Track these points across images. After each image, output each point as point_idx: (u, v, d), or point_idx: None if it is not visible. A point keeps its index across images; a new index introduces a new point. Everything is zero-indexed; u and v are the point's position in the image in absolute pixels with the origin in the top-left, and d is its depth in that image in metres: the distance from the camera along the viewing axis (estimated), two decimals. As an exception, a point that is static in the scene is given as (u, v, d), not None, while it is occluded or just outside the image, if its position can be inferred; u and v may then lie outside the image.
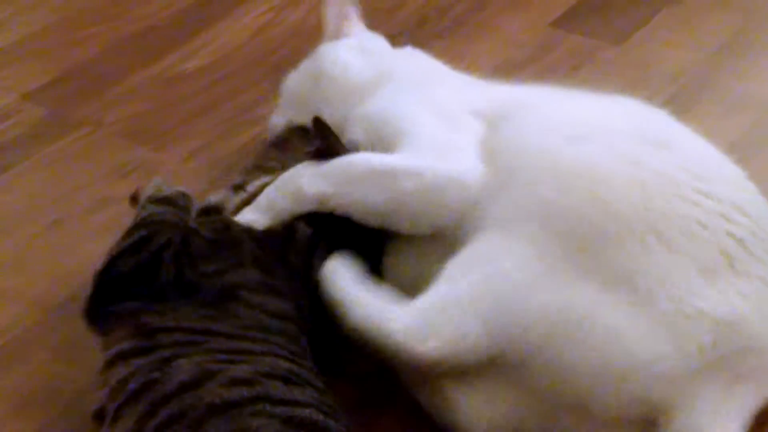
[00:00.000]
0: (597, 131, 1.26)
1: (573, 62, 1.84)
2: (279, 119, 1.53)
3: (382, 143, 1.34)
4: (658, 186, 1.18)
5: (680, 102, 1.72)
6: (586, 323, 1.13)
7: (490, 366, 1.17)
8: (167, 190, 1.31)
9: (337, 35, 1.53)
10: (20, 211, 1.55)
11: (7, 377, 1.30)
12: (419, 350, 1.17)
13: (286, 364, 1.11)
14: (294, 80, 1.55)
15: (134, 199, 1.34)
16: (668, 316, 1.12)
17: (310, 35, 1.93)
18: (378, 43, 1.54)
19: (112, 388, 1.10)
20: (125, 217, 1.49)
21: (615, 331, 1.12)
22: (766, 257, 1.17)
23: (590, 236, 1.15)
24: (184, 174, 1.61)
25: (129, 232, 1.24)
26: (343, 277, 1.25)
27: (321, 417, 1.05)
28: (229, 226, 1.27)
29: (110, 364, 1.13)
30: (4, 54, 1.90)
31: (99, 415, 1.12)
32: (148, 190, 1.32)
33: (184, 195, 1.32)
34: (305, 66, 1.54)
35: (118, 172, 1.62)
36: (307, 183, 1.29)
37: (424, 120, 1.34)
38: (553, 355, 1.14)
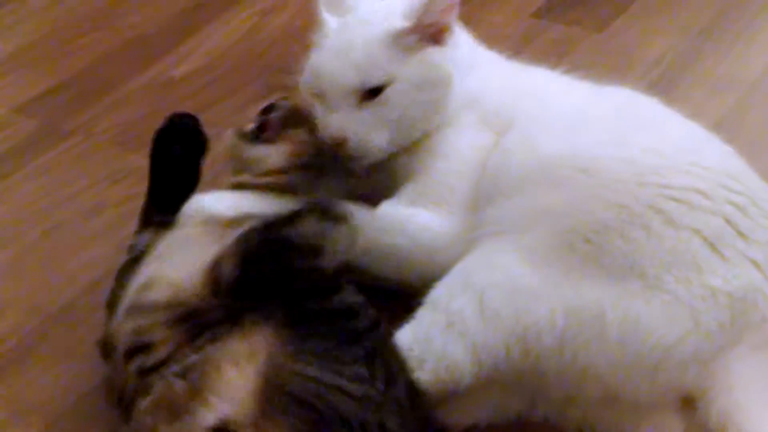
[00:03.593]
0: (583, 123, 1.27)
1: (556, 51, 1.85)
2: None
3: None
4: (649, 161, 1.18)
5: (663, 86, 1.74)
6: (601, 320, 1.12)
7: (494, 376, 1.17)
8: None
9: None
10: (15, 221, 1.57)
11: (6, 384, 1.32)
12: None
13: None
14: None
15: None
16: (682, 298, 1.12)
17: (296, 37, 1.94)
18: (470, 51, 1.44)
19: None
20: (119, 222, 1.54)
21: (632, 322, 1.11)
22: (761, 221, 1.17)
23: (589, 229, 1.15)
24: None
25: None
26: None
27: None
28: None
29: None
30: (-5, 68, 1.93)
31: None
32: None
33: None
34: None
35: (111, 178, 1.64)
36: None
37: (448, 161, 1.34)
38: (570, 357, 1.13)
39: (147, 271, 1.20)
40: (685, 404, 1.15)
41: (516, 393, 1.20)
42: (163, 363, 1.11)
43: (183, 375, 1.08)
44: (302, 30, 1.94)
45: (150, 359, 1.12)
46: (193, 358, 1.09)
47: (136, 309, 1.16)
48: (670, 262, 1.13)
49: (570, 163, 1.20)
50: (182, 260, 1.18)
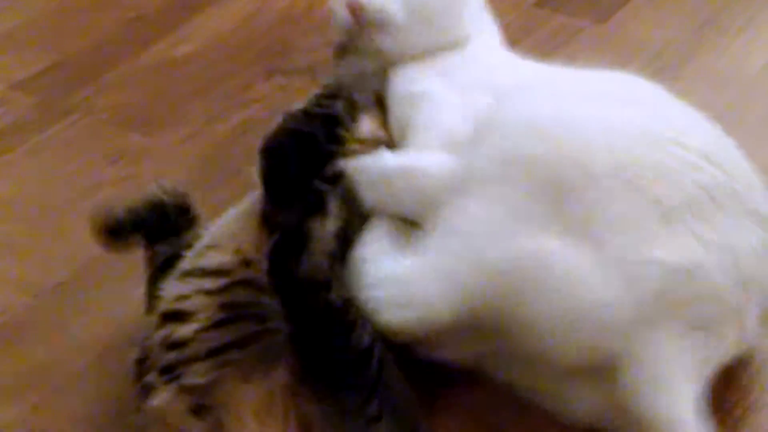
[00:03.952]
0: (574, 96, 1.27)
1: (557, 42, 1.85)
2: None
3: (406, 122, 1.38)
4: (623, 131, 1.19)
5: (664, 78, 1.71)
6: (542, 272, 1.13)
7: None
8: None
9: None
10: (11, 198, 1.57)
11: (-1, 360, 1.32)
12: (389, 322, 1.18)
13: None
14: None
15: None
16: (619, 261, 1.12)
17: (296, 22, 1.95)
18: None
19: None
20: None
21: (568, 277, 1.12)
22: (735, 210, 1.17)
23: (549, 183, 1.16)
24: (174, 159, 1.63)
25: None
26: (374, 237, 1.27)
27: None
28: None
29: None
30: (-6, 44, 1.93)
31: None
32: None
33: None
34: None
35: (108, 158, 1.63)
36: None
37: (440, 108, 1.36)
38: (511, 305, 1.14)
39: (204, 241, 1.21)
40: (608, 376, 1.14)
41: (477, 341, 1.21)
42: (185, 343, 1.10)
43: (197, 410, 1.07)
44: (303, 14, 1.95)
45: (179, 332, 1.11)
46: (203, 378, 1.08)
47: (188, 274, 1.17)
48: (619, 226, 1.13)
49: (552, 122, 1.21)
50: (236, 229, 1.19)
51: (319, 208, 1.12)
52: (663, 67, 1.78)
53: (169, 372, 1.10)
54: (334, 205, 1.13)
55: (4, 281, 1.43)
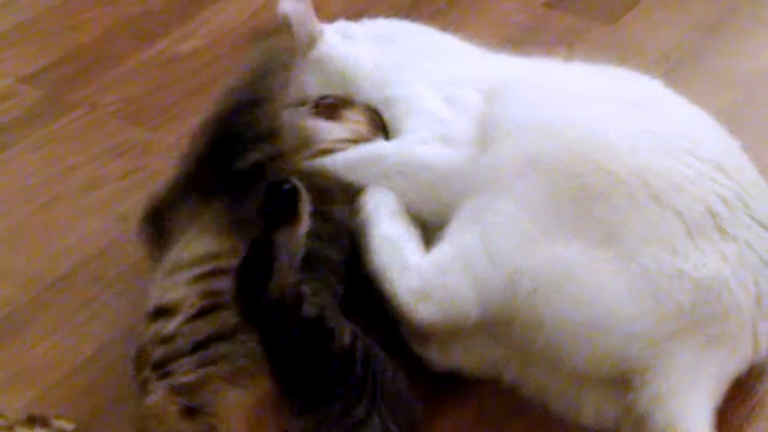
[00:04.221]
0: (585, 97, 1.27)
1: (565, 42, 1.85)
2: None
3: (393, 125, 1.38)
4: (646, 142, 1.19)
5: (670, 79, 1.72)
6: (571, 279, 1.14)
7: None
8: None
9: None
10: (17, 191, 1.57)
11: (1, 352, 1.32)
12: (415, 314, 1.18)
13: None
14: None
15: None
16: (650, 274, 1.12)
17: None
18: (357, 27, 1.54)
19: None
20: (119, 196, 1.54)
21: (597, 287, 1.13)
22: (748, 221, 1.18)
23: (579, 190, 1.16)
24: (178, 154, 1.62)
25: None
26: (380, 215, 1.26)
27: None
28: None
29: None
30: (1, 39, 1.92)
31: None
32: None
33: None
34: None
35: (113, 152, 1.63)
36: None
37: (426, 102, 1.36)
38: (537, 310, 1.14)
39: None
40: (624, 387, 1.15)
41: (493, 344, 1.21)
42: (172, 338, 1.10)
43: (188, 412, 1.06)
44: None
45: (168, 326, 1.11)
46: (192, 376, 1.07)
47: (176, 267, 1.17)
48: (648, 237, 1.13)
49: (566, 124, 1.21)
50: None
51: (290, 215, 1.05)
52: (671, 67, 1.79)
53: (161, 367, 1.09)
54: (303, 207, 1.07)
55: (8, 274, 1.42)
